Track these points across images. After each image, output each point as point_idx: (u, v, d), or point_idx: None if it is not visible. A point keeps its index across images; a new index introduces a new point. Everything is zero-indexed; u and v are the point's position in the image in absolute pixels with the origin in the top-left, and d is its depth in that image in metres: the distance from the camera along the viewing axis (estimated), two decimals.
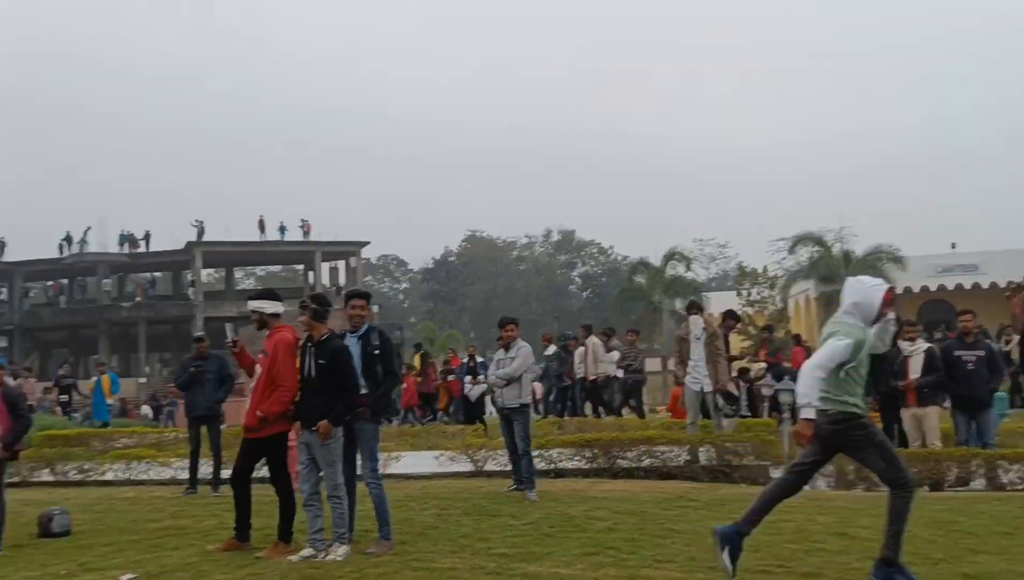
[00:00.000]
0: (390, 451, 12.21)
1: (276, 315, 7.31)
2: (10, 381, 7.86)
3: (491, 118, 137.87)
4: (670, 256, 40.43)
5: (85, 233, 50.32)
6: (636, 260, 48.58)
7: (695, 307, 11.88)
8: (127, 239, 51.38)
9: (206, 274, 63.75)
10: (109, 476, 12.38)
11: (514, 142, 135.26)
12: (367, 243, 54.30)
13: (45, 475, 12.60)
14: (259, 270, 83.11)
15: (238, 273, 78.46)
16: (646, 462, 11.01)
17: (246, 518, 7.36)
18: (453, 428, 16.15)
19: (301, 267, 61.12)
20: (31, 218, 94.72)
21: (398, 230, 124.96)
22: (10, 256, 52.06)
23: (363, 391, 7.24)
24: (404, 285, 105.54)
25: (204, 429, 10.91)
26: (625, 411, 16.54)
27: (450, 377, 20.81)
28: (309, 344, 7.00)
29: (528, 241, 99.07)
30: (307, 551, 6.85)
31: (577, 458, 11.32)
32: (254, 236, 52.49)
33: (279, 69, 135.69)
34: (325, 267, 56.14)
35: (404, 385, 20.91)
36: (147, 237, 52.51)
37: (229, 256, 54.64)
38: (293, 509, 7.20)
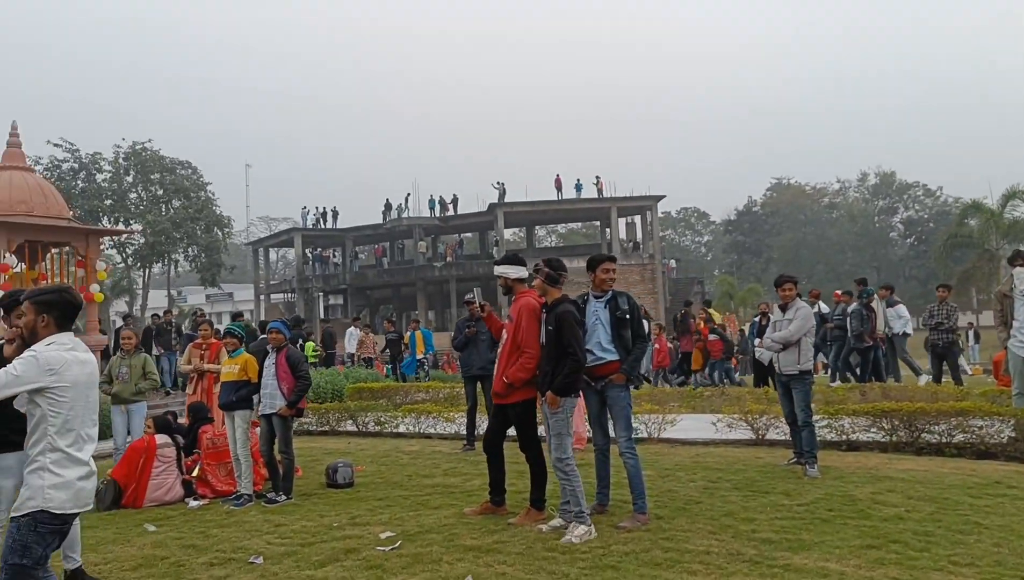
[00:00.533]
0: (667, 413, 11.79)
1: (521, 280, 7.15)
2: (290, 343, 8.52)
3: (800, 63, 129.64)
4: (1010, 196, 35.33)
5: (405, 199, 54.86)
6: (968, 202, 43.29)
7: (1020, 258, 10.00)
8: (438, 204, 55.26)
9: (509, 233, 66.84)
10: (402, 429, 13.22)
11: (817, 86, 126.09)
12: (662, 197, 53.49)
13: (349, 425, 13.77)
14: (560, 227, 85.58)
15: (540, 230, 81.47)
16: (958, 437, 9.54)
17: (500, 482, 7.36)
18: (736, 390, 15.29)
19: (598, 223, 61.85)
20: (359, 188, 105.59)
21: (696, 181, 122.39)
22: (342, 223, 58.44)
23: (612, 357, 6.90)
24: (706, 238, 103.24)
25: (480, 387, 11.22)
26: (944, 378, 14.60)
27: (711, 337, 19.83)
28: (544, 309, 6.78)
29: (841, 186, 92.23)
30: (556, 521, 6.68)
31: (873, 429, 10.10)
32: (551, 195, 53.97)
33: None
34: (622, 222, 56.38)
35: (657, 346, 20.34)
36: (455, 201, 56.07)
37: (529, 215, 56.67)
38: (544, 476, 7.07)
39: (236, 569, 6.02)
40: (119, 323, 17.42)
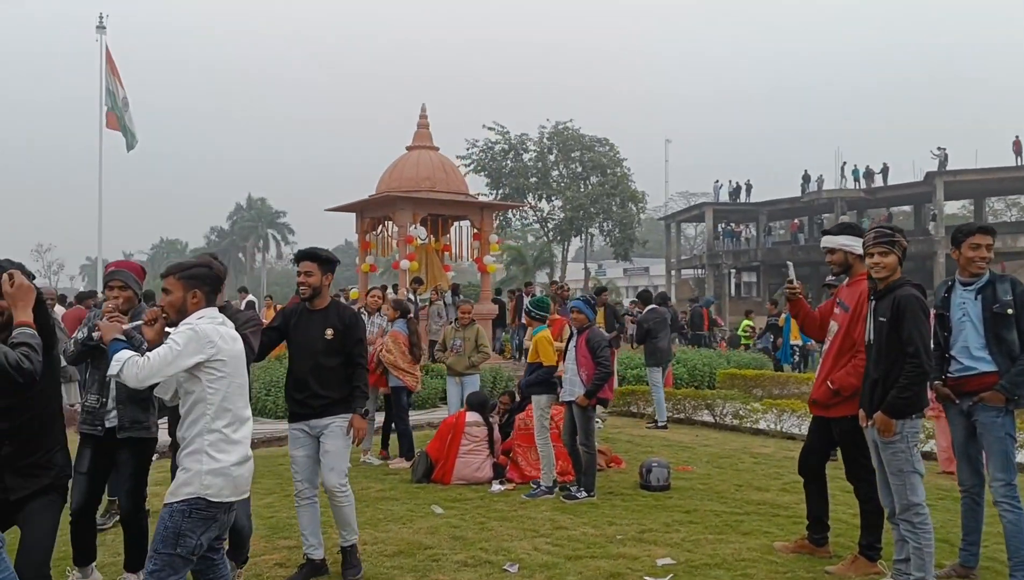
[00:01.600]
0: None
1: (861, 257, 5.46)
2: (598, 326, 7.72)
3: None
4: None
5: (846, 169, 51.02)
6: None
7: None
8: (863, 174, 50.40)
9: (953, 206, 58.86)
10: (762, 425, 11.77)
11: None
12: None
13: (705, 415, 12.64)
14: (1022, 199, 73.37)
15: (997, 203, 70.63)
16: None
17: (821, 515, 5.83)
18: None
19: None
20: (775, 160, 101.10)
21: None
22: (756, 196, 56.16)
23: (986, 367, 5.02)
24: None
25: None
26: None
27: None
28: (871, 297, 5.06)
29: None
30: None
31: None
32: (1008, 161, 46.14)
33: None
34: None
35: None
36: (884, 171, 50.66)
37: (978, 185, 49.15)
38: (879, 516, 5.40)
39: (485, 574, 5.42)
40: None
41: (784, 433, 11.31)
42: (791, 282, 5.80)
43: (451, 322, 10.92)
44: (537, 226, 58.71)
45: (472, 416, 8.49)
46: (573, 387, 7.61)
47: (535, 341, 7.99)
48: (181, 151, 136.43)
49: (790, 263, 6.28)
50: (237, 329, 4.01)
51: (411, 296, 17.80)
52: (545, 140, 54.80)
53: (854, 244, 5.59)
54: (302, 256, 5.42)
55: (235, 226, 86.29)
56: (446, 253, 22.16)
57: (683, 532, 6.40)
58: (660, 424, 12.19)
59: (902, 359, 4.75)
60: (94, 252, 48.27)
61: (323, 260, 5.41)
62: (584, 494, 7.53)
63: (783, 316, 18.09)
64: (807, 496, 5.89)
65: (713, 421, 12.42)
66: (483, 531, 6.44)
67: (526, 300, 12.20)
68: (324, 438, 5.39)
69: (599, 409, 12.00)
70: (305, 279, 5.34)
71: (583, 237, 57.65)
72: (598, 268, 78.60)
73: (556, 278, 56.67)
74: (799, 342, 17.97)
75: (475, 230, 21.18)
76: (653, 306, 12.54)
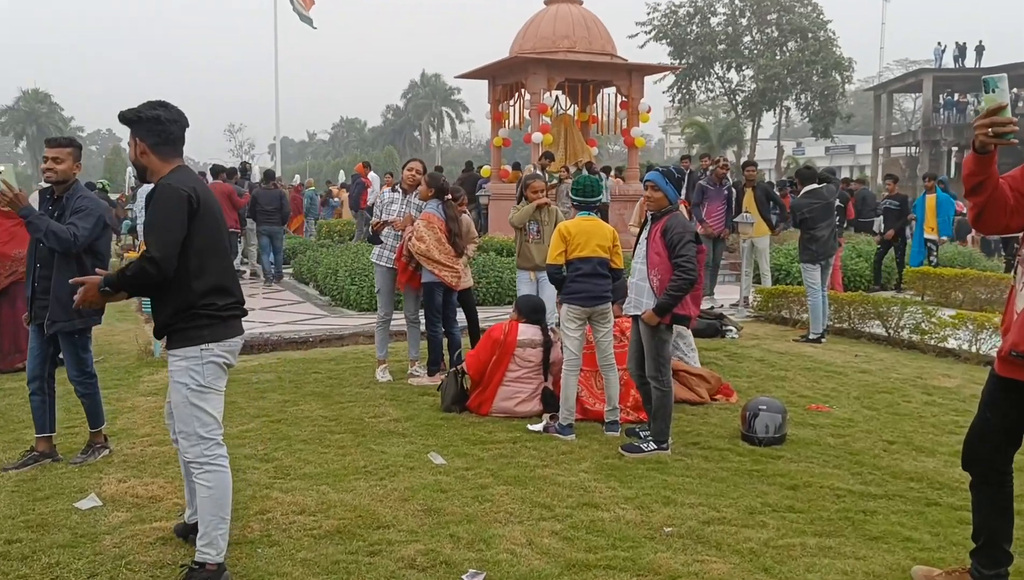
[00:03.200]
0: None
1: None
2: (680, 216, 5.44)
3: None
4: None
5: None
6: None
7: None
8: None
9: None
10: (951, 344, 9.06)
11: None
12: None
13: (875, 327, 10.01)
14: None
15: None
16: None
17: (994, 537, 3.51)
18: None
19: None
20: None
21: None
22: (989, 60, 48.80)
23: None
24: None
25: None
26: None
27: None
28: None
29: None
30: None
31: None
32: None
33: None
34: None
35: None
36: None
37: None
38: None
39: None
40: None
41: (982, 357, 8.59)
42: (994, 112, 3.09)
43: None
44: (725, 100, 54.33)
45: (526, 331, 6.53)
46: (640, 297, 5.47)
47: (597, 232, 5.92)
48: (354, 30, 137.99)
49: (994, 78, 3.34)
50: None
51: (538, 173, 15.82)
52: (737, 1, 49.80)
53: None
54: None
55: (410, 104, 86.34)
56: (593, 126, 19.96)
57: (771, 528, 4.25)
58: (813, 337, 9.74)
59: None
60: (280, 132, 49.50)
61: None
62: (652, 446, 5.48)
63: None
64: (976, 505, 3.56)
65: (885, 334, 9.80)
66: (476, 502, 4.57)
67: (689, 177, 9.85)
68: None
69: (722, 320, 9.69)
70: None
71: (777, 111, 52.79)
72: (796, 147, 72.57)
73: (745, 158, 52.45)
74: (935, 237, 14.26)
75: (623, 97, 18.72)
76: (813, 187, 9.86)
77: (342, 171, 41.19)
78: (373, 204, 7.78)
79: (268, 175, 16.22)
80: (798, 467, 5.24)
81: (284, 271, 15.58)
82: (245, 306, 3.82)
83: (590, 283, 5.79)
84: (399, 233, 7.57)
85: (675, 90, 50.32)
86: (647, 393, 5.66)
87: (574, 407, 5.97)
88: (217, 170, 15.56)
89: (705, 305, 10.73)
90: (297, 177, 55.28)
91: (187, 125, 3.78)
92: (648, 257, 5.44)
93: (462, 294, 7.92)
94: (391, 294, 7.87)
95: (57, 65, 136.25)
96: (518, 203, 8.23)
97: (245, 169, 19.29)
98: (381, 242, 7.74)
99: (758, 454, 5.50)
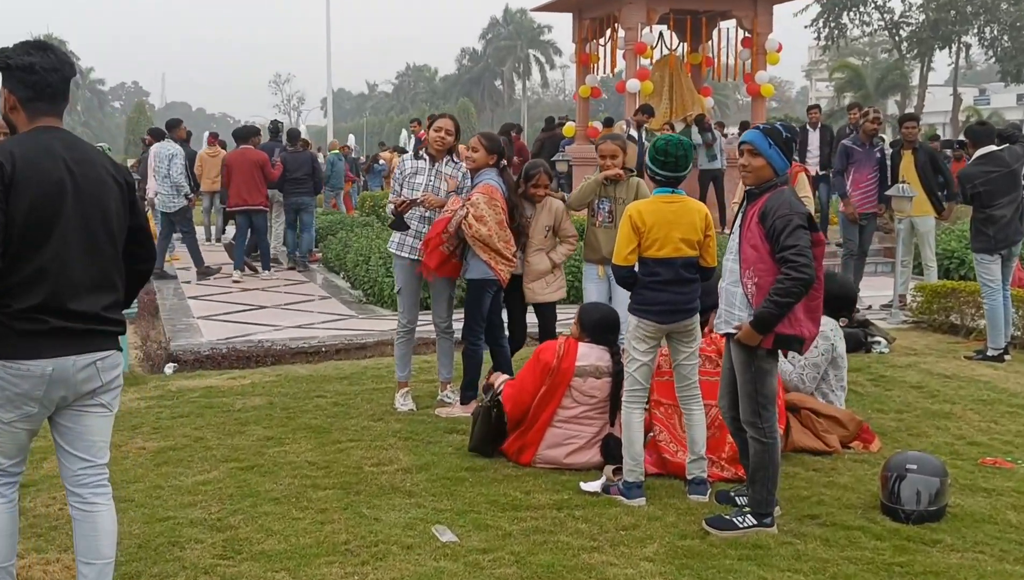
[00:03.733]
0: None
1: None
2: None
3: None
4: None
5: None
6: None
7: None
8: None
9: None
10: None
11: None
12: None
13: None
14: None
15: None
16: None
17: None
18: None
19: None
20: None
21: None
22: None
23: None
24: None
25: None
26: None
27: None
28: None
29: None
30: None
31: None
32: None
33: None
34: None
35: None
36: None
37: None
38: None
39: None
40: None
41: None
42: None
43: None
44: (885, 35, 52.31)
45: (589, 354, 5.84)
46: (731, 307, 4.74)
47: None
48: None
49: None
50: None
51: (632, 132, 15.10)
52: None
53: None
54: None
55: (489, 47, 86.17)
56: (707, 70, 19.13)
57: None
58: (992, 353, 8.79)
59: None
60: (334, 83, 49.82)
61: None
62: (749, 521, 4.74)
63: None
64: None
65: None
66: None
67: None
68: None
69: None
70: None
71: (953, 49, 50.58)
72: (979, 95, 69.63)
73: (911, 109, 50.36)
74: None
75: (746, 33, 17.82)
76: (989, 149, 8.87)
77: (404, 130, 41.34)
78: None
79: (292, 135, 15.91)
80: (962, 560, 4.43)
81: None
82: (105, 327, 3.48)
83: (670, 292, 5.08)
84: (430, 214, 7.01)
85: (820, 23, 48.65)
86: (743, 444, 4.93)
87: (641, 457, 5.29)
88: (245, 133, 14.46)
89: None
90: (352, 137, 55.73)
91: (72, 75, 3.56)
92: (741, 251, 4.69)
93: (543, 308, 7.43)
94: (417, 295, 7.34)
95: (73, 5, 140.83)
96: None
97: (276, 130, 19.01)
98: (406, 227, 7.15)
99: (903, 536, 4.71)
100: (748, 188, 4.81)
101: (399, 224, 7.20)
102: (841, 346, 6.72)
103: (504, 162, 7.21)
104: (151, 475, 5.62)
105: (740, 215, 4.82)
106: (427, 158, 7.14)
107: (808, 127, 16.63)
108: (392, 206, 7.21)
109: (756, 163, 4.69)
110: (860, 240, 11.48)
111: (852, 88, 54.25)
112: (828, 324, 6.52)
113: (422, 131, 19.57)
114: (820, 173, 15.79)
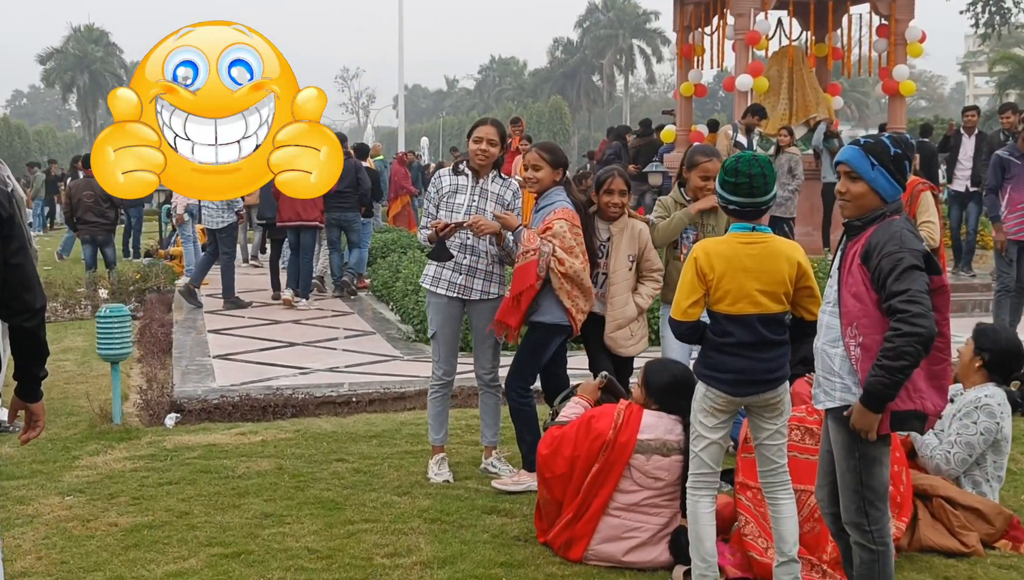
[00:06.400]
0: None
1: None
2: None
3: None
4: None
5: None
6: None
7: None
8: None
9: None
10: None
11: None
12: None
13: None
14: None
15: None
16: None
17: None
18: None
19: None
20: None
21: None
22: None
23: None
24: None
25: None
26: None
27: None
28: None
29: None
30: None
31: None
32: None
33: None
34: None
35: None
36: None
37: None
38: None
39: None
40: None
41: None
42: None
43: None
44: None
45: (656, 425, 5.45)
46: (831, 375, 4.27)
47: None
48: None
49: None
50: None
51: (739, 138, 14.72)
52: None
53: None
54: None
55: (587, 37, 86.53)
56: (835, 64, 19.01)
57: None
58: None
59: None
60: (408, 79, 50.11)
61: None
62: None
63: None
64: None
65: None
66: None
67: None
68: None
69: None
70: None
71: None
72: None
73: None
74: None
75: (881, 20, 17.49)
76: None
77: (424, 138, 41.66)
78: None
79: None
80: None
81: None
82: None
83: (745, 358, 4.61)
84: (472, 242, 6.69)
85: (979, 8, 47.52)
86: (846, 548, 4.46)
87: (714, 558, 4.86)
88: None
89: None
90: (425, 140, 55.81)
91: None
92: (841, 303, 4.21)
93: (622, 362, 6.98)
94: (456, 342, 7.03)
95: None
96: (680, 188, 7.17)
97: None
98: (450, 256, 6.81)
99: None
100: (846, 220, 4.33)
101: (440, 253, 6.85)
102: (1008, 426, 6.09)
103: (568, 176, 6.87)
104: (115, 562, 5.35)
105: (838, 255, 4.35)
106: (469, 174, 6.82)
107: (963, 132, 16.05)
108: (429, 231, 6.86)
109: (856, 189, 4.20)
110: (1018, 273, 10.85)
111: (1017, 84, 52.93)
112: (996, 396, 5.93)
113: (517, 137, 18.90)
114: (971, 189, 15.14)
